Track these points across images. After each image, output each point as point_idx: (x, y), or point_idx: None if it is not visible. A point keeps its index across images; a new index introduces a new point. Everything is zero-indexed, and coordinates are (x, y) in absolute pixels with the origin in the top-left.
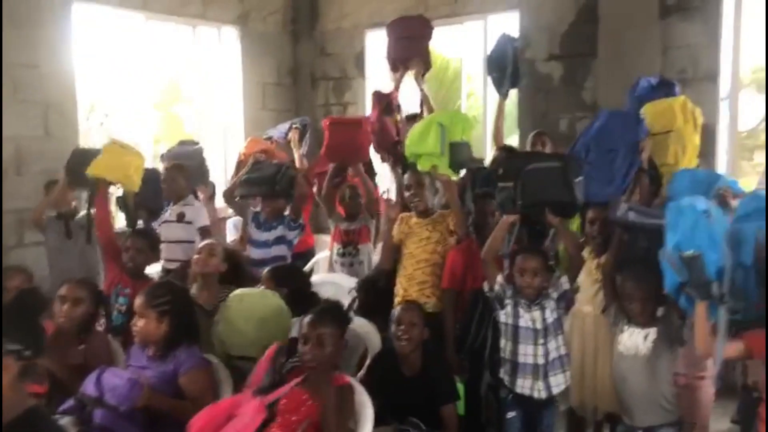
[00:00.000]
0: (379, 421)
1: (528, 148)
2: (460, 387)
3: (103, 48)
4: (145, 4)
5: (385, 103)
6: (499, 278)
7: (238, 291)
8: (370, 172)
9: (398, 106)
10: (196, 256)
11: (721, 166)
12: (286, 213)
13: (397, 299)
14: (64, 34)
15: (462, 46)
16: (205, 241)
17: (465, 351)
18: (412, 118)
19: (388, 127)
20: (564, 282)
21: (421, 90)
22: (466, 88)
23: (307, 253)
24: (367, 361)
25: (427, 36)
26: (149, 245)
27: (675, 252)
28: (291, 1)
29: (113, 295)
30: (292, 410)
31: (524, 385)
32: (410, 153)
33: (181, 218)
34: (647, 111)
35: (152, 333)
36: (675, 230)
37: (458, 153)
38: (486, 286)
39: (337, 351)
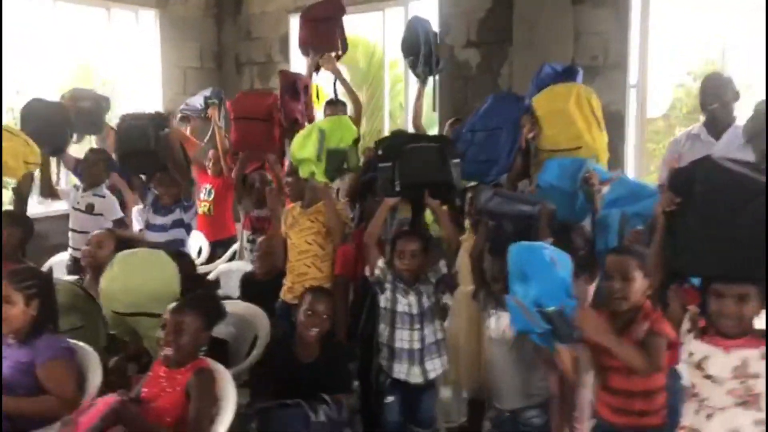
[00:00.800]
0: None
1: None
2: None
3: (9, 32)
4: None
5: (290, 83)
6: (380, 263)
7: (124, 251)
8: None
9: (306, 89)
10: (84, 248)
11: (630, 152)
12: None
13: (283, 289)
14: None
15: (383, 33)
16: (95, 232)
17: (356, 337)
18: (332, 104)
19: (290, 109)
20: (442, 266)
21: (337, 72)
22: (390, 75)
23: (229, 241)
24: (257, 348)
25: (337, 18)
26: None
27: (533, 307)
28: None
29: None
30: (153, 398)
31: (401, 370)
32: (293, 158)
33: (90, 209)
34: (542, 94)
35: (18, 318)
36: (526, 280)
37: (334, 160)
38: (368, 271)
39: (197, 340)
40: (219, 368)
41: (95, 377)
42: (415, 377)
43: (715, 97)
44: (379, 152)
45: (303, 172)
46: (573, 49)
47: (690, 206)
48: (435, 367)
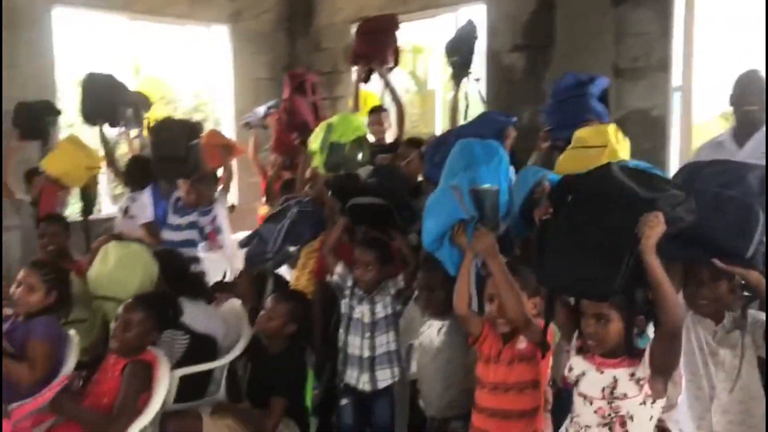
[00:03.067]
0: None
1: None
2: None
3: (87, 48)
4: (128, 5)
5: (298, 83)
6: (339, 268)
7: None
8: None
9: (313, 87)
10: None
11: (674, 158)
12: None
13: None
14: (43, 36)
15: (434, 39)
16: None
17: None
18: (375, 111)
19: (298, 107)
20: (400, 280)
21: (386, 81)
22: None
23: None
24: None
25: (390, 31)
26: (63, 227)
27: (468, 187)
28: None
29: None
30: (99, 382)
31: (352, 376)
32: (309, 150)
33: (125, 212)
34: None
35: (36, 304)
36: (470, 167)
37: (334, 153)
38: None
39: (143, 336)
40: (160, 361)
41: (70, 363)
42: (364, 384)
43: (749, 97)
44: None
45: (315, 163)
46: (615, 51)
47: (561, 216)
48: (385, 376)
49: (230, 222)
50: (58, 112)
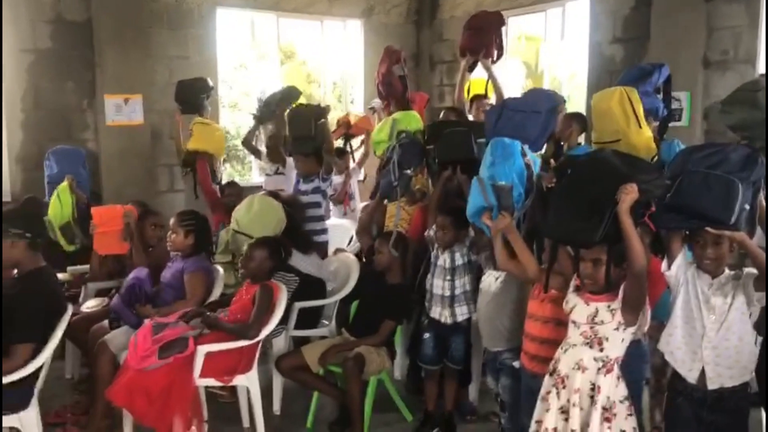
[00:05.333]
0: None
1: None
2: None
3: (244, 42)
4: (277, 5)
5: (395, 58)
6: (434, 226)
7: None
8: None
9: (405, 60)
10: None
11: None
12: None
13: None
14: (209, 32)
15: (545, 31)
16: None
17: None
18: (479, 97)
19: (395, 80)
20: (471, 233)
21: (490, 73)
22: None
23: None
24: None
25: (494, 27)
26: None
27: (489, 182)
28: None
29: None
30: (236, 301)
31: (435, 311)
32: (373, 141)
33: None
34: (595, 96)
35: (179, 244)
36: (494, 165)
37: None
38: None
39: (262, 267)
40: (280, 288)
41: (217, 291)
42: (446, 318)
43: None
44: (425, 137)
45: (379, 152)
46: (705, 44)
47: (560, 185)
48: (463, 312)
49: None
50: (211, 89)
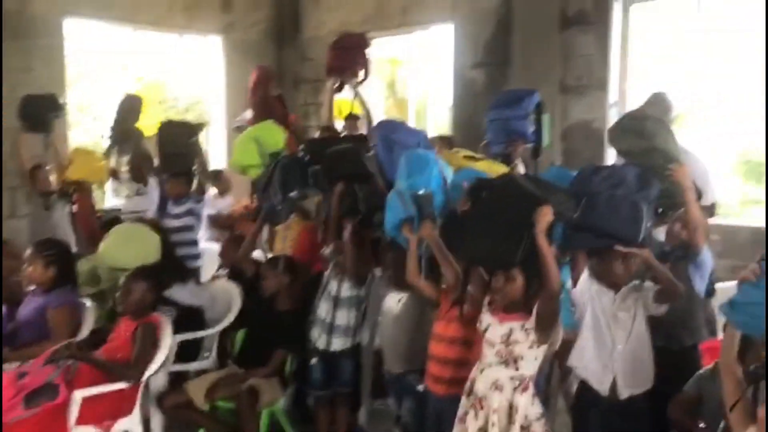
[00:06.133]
0: None
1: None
2: None
3: (95, 55)
4: (132, 17)
5: (270, 77)
6: (332, 245)
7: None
8: None
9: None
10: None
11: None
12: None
13: None
14: (55, 43)
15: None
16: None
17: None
18: (350, 118)
19: (273, 100)
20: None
21: (356, 93)
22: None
23: None
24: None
25: (360, 48)
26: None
27: (408, 191)
28: (275, 12)
29: None
30: (112, 340)
31: (315, 333)
32: (237, 165)
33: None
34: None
35: (37, 277)
36: (411, 175)
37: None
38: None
39: (144, 300)
40: (163, 322)
41: (86, 327)
42: (322, 344)
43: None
44: (306, 159)
45: (252, 175)
46: (562, 70)
47: (475, 207)
48: (338, 344)
49: None
50: (61, 107)
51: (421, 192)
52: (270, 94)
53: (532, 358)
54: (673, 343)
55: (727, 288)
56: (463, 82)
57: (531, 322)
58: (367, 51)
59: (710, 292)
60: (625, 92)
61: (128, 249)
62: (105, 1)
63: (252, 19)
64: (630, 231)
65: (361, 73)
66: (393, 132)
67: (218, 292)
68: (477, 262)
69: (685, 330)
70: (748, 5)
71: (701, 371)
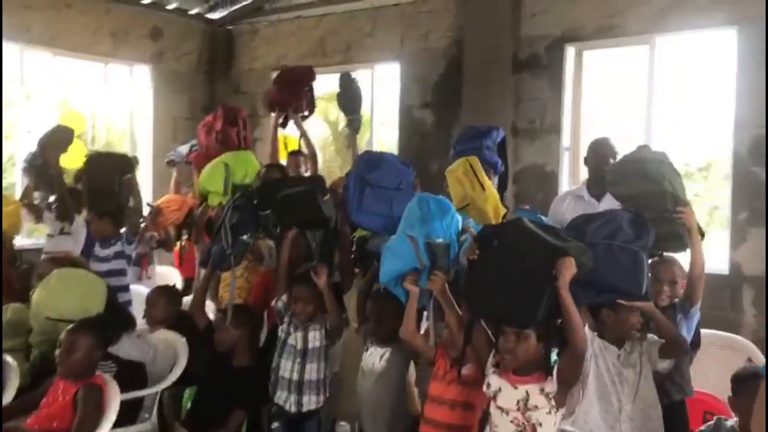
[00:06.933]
0: None
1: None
2: None
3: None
4: (52, 41)
5: (231, 116)
6: (284, 297)
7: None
8: None
9: (244, 122)
10: None
11: None
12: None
13: None
14: None
15: None
16: None
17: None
18: (295, 154)
19: (230, 137)
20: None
21: (300, 128)
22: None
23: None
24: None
25: (305, 82)
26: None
27: (423, 239)
28: (207, 43)
29: None
30: (48, 405)
31: (281, 397)
32: (202, 188)
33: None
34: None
35: None
36: (426, 222)
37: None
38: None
39: (88, 357)
40: (110, 385)
41: (11, 389)
42: (290, 406)
43: (596, 160)
44: (255, 202)
45: (212, 202)
46: (514, 113)
47: (487, 257)
48: (311, 401)
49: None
50: None
51: (438, 240)
52: (228, 134)
53: (551, 425)
54: (662, 398)
55: None
56: (410, 121)
57: (551, 385)
58: (313, 85)
59: (696, 344)
60: (578, 136)
61: (70, 297)
62: (22, 23)
63: (183, 49)
64: (633, 283)
65: (306, 109)
66: (369, 171)
67: (160, 345)
68: (492, 319)
69: (674, 384)
70: (700, 52)
71: (703, 427)
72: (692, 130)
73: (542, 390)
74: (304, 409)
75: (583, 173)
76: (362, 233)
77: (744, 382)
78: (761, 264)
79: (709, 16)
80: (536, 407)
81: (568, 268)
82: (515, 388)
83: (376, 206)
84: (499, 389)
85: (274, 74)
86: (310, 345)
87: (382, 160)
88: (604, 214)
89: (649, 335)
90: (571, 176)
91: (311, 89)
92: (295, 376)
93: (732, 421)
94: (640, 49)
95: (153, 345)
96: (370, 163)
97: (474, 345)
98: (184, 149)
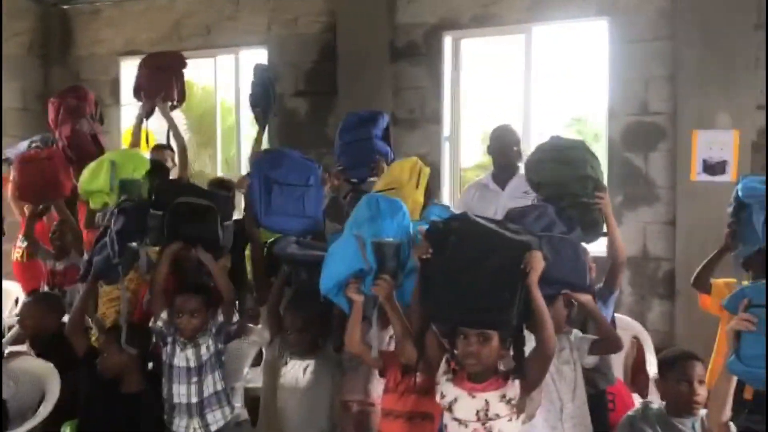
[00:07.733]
0: None
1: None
2: None
3: None
4: None
5: (79, 111)
6: (164, 315)
7: None
8: None
9: (97, 108)
10: None
11: (446, 198)
12: None
13: None
14: None
15: (214, 79)
16: None
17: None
18: (159, 149)
19: (85, 139)
20: (219, 314)
21: (168, 119)
22: (223, 120)
23: None
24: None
25: (176, 69)
26: None
27: (371, 239)
28: (39, 24)
29: None
30: None
31: (180, 425)
32: (82, 191)
33: None
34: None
35: None
36: (374, 220)
37: (128, 190)
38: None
39: None
40: None
41: None
42: (195, 431)
43: (499, 147)
44: (152, 198)
45: (95, 203)
46: (393, 102)
47: (441, 256)
48: (216, 419)
49: None
50: None
51: (388, 240)
52: (78, 133)
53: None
54: (588, 388)
55: None
56: (282, 110)
57: (513, 390)
58: (184, 72)
59: None
60: (458, 125)
61: None
62: None
63: (12, 30)
64: (577, 275)
65: (176, 97)
66: (273, 168)
67: (21, 375)
68: (457, 322)
69: (599, 374)
70: (575, 42)
71: (630, 412)
72: (568, 118)
73: (503, 396)
74: (213, 429)
75: (464, 162)
76: (273, 236)
77: (670, 365)
78: (636, 246)
79: (581, 7)
80: (497, 416)
81: (538, 262)
82: (473, 397)
83: (287, 206)
84: (455, 399)
85: (124, 60)
86: (204, 358)
87: (285, 156)
88: (535, 207)
89: (575, 330)
90: (452, 166)
91: (182, 77)
92: (194, 399)
93: (658, 403)
94: (517, 38)
95: (13, 376)
96: (273, 160)
97: (426, 351)
98: (24, 145)
